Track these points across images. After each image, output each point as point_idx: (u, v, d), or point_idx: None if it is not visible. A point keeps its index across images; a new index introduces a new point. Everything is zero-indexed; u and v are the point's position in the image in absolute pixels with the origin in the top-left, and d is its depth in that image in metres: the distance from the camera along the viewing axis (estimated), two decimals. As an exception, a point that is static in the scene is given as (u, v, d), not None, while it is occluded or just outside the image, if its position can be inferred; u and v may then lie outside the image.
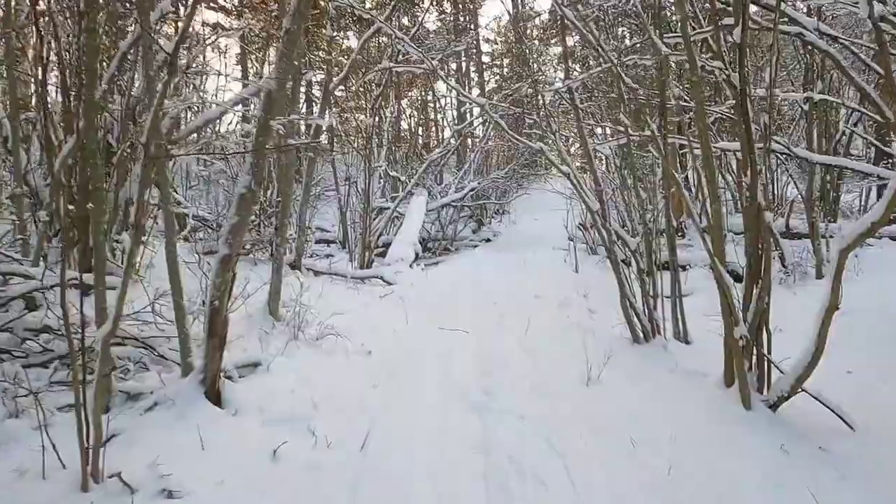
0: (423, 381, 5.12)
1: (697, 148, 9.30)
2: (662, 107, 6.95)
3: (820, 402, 4.73)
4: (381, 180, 13.19)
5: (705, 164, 5.15)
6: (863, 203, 12.81)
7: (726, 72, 5.22)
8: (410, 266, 11.45)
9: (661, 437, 4.32)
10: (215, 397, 4.27)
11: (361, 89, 12.02)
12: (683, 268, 10.31)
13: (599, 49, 6.16)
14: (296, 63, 7.05)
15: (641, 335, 6.89)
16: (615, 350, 6.43)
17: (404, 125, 20.49)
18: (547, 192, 17.14)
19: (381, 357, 5.77)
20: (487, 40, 27.47)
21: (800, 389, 4.86)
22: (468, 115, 18.42)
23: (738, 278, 10.81)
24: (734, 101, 5.30)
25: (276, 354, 5.32)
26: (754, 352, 5.16)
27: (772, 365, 5.21)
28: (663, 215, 7.75)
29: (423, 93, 21.93)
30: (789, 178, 13.20)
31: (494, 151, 17.49)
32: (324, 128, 10.03)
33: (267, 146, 4.26)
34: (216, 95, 13.33)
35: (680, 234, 11.86)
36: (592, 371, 5.27)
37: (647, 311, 6.98)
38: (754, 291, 5.27)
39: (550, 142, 7.09)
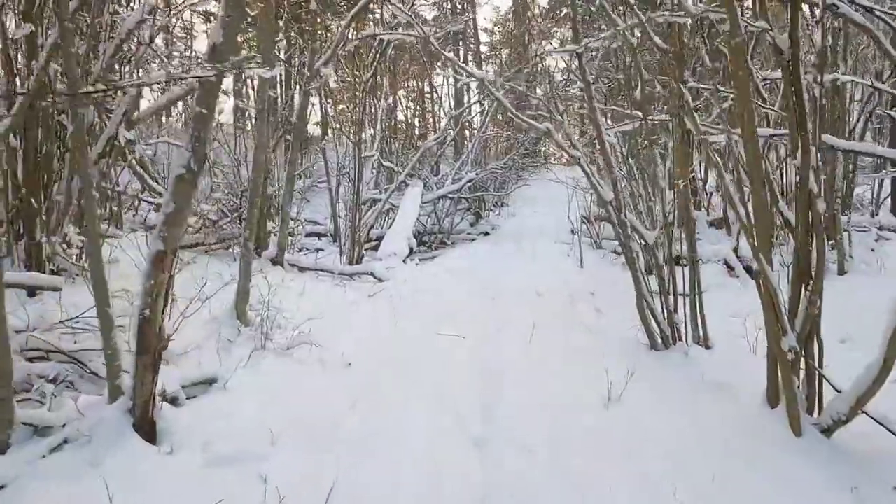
0: (411, 402, 4.19)
1: (715, 133, 8.37)
2: (680, 84, 6.02)
3: (887, 429, 3.84)
4: (374, 171, 12.24)
5: (748, 141, 4.21)
6: (875, 196, 11.91)
7: (772, 33, 4.29)
8: (404, 261, 10.52)
9: (700, 474, 3.42)
10: (147, 429, 3.34)
11: (352, 70, 11.04)
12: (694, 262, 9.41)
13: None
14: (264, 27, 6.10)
15: (660, 340, 5.98)
16: (632, 359, 5.52)
17: (401, 116, 19.56)
18: (547, 184, 16.21)
19: (362, 369, 4.83)
20: (486, 30, 26.49)
21: (860, 412, 3.98)
22: (466, 103, 17.49)
23: (752, 273, 9.82)
24: (781, 70, 4.36)
25: (238, 367, 4.40)
26: (802, 365, 4.26)
27: (823, 381, 4.31)
28: (673, 207, 6.87)
29: (419, 83, 20.93)
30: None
31: (493, 141, 16.53)
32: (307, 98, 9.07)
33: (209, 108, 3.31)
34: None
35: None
36: (612, 389, 4.34)
37: (666, 313, 6.06)
38: (803, 294, 4.33)
39: (558, 123, 6.15)
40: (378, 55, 9.68)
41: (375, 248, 11.47)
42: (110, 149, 6.45)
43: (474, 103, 12.82)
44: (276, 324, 5.36)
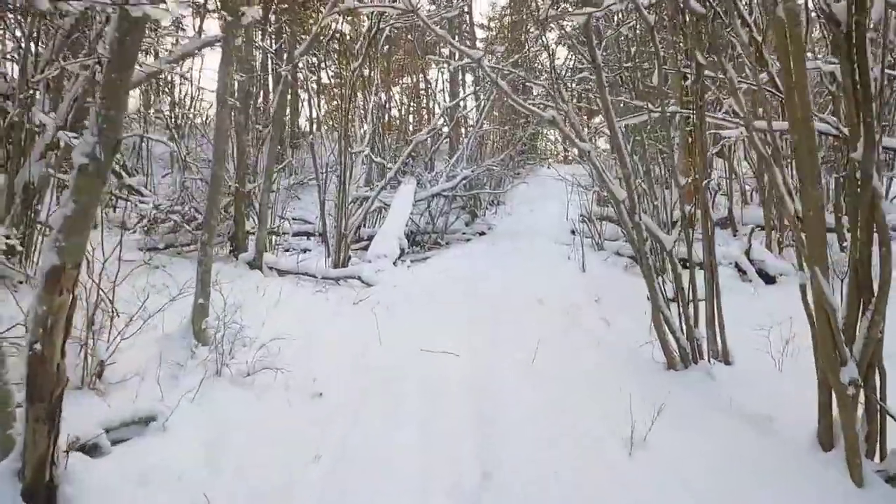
0: (392, 446, 3.37)
1: (733, 124, 7.60)
2: (699, 70, 5.22)
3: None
4: (365, 167, 11.40)
5: (801, 131, 3.41)
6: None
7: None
8: (394, 263, 9.69)
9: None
10: (43, 497, 2.53)
11: (340, 60, 10.20)
12: (700, 266, 8.66)
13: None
14: None
15: (678, 358, 5.18)
16: (651, 382, 4.74)
17: (395, 113, 18.71)
18: (543, 182, 15.41)
19: (336, 400, 4.01)
20: (482, 26, 25.62)
21: (937, 458, 3.21)
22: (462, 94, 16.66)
23: (767, 279, 9.03)
24: (836, 43, 3.56)
25: (183, 401, 3.58)
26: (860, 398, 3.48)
27: (887, 419, 3.52)
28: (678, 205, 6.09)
29: (414, 78, 20.07)
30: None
31: (489, 138, 15.70)
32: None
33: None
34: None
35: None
36: (635, 428, 3.53)
37: (685, 327, 5.27)
38: (862, 314, 3.53)
39: (564, 112, 5.33)
40: (368, 43, 8.84)
41: (367, 248, 10.66)
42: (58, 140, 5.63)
43: (469, 95, 11.99)
44: (239, 342, 4.54)
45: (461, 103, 16.17)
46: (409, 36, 16.99)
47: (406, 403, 4.01)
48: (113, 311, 4.08)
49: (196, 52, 5.79)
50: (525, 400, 4.06)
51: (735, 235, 11.61)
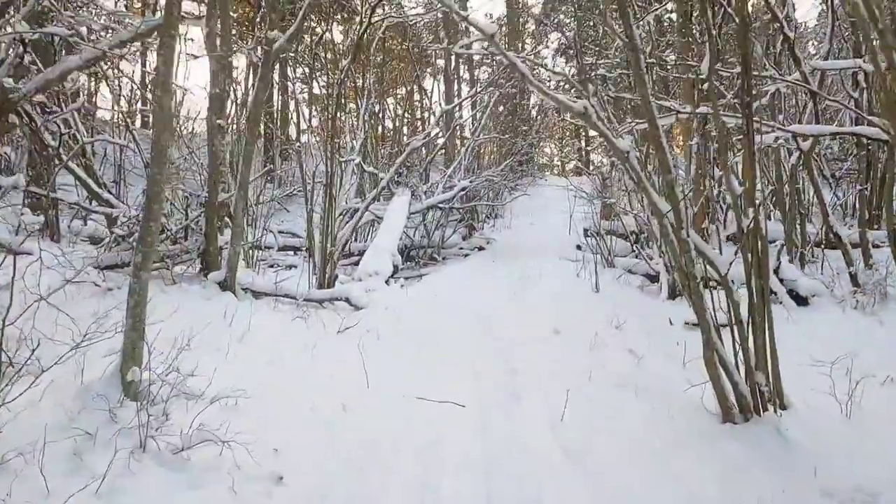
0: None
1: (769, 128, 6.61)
2: (746, 66, 4.14)
3: None
4: (356, 177, 10.28)
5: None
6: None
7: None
8: (387, 282, 8.55)
9: None
10: None
11: (326, 57, 9.12)
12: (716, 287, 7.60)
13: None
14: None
15: (737, 409, 4.05)
16: (710, 445, 3.61)
17: (389, 124, 17.64)
18: (541, 193, 14.35)
19: (301, 490, 2.84)
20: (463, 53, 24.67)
21: None
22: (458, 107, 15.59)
23: (799, 300, 7.91)
24: None
25: (84, 494, 2.42)
26: None
27: None
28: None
29: (408, 87, 19.03)
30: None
31: (487, 147, 14.63)
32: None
33: None
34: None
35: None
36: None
37: (744, 369, 4.15)
38: None
39: (595, 104, 4.23)
40: (358, 39, 7.75)
41: (357, 263, 9.54)
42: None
43: (468, 98, 10.86)
44: (180, 397, 3.38)
45: (458, 113, 15.13)
46: (404, 44, 15.99)
47: (394, 492, 2.85)
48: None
49: (139, 38, 4.66)
50: (562, 483, 2.90)
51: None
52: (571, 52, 21.31)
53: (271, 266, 11.36)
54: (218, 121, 6.78)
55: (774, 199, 11.60)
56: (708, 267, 4.36)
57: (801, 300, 7.75)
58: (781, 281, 8.04)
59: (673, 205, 4.13)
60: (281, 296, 6.86)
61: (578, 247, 11.01)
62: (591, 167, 25.47)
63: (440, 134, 14.29)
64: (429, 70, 21.71)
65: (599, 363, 5.06)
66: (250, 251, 10.68)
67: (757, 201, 4.14)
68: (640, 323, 6.63)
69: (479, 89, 9.35)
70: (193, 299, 6.14)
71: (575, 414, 3.68)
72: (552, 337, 5.77)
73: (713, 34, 4.18)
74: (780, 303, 7.74)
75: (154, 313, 5.39)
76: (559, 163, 24.92)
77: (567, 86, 19.40)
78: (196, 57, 8.51)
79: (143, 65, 19.87)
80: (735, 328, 4.26)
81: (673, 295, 8.18)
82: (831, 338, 6.09)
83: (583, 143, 23.29)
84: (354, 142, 10.69)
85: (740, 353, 4.11)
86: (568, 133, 23.97)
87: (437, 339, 5.75)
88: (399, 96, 19.93)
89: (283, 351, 4.88)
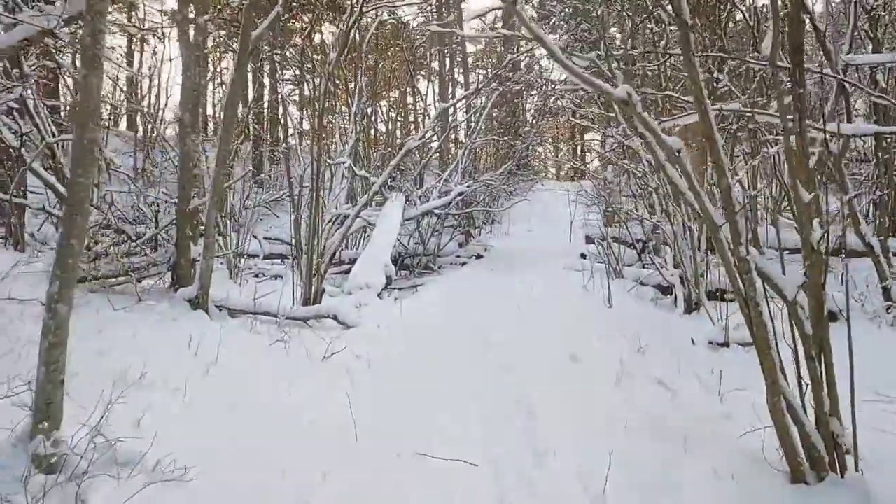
0: None
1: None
2: (797, 50, 3.33)
3: None
4: (347, 180, 9.42)
5: None
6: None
7: None
8: (379, 295, 7.70)
9: None
10: None
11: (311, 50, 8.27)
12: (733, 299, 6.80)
13: None
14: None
15: (807, 465, 3.23)
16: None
17: (382, 128, 16.78)
18: (539, 198, 13.54)
19: None
20: (471, 39, 23.83)
21: None
22: (452, 111, 14.71)
23: (830, 318, 7.12)
24: None
25: None
26: None
27: None
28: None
29: (402, 91, 18.19)
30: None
31: (484, 150, 13.80)
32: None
33: None
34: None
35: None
36: None
37: (817, 417, 3.32)
38: None
39: (636, 94, 3.40)
40: (347, 30, 6.90)
41: (348, 272, 8.69)
42: None
43: (472, 93, 10.03)
44: (112, 464, 2.52)
45: (452, 116, 14.29)
46: (397, 42, 15.15)
47: None
48: None
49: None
50: None
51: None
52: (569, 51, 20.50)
53: (256, 276, 10.49)
54: (187, 115, 5.91)
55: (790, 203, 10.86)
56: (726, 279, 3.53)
57: (830, 316, 6.97)
58: (809, 295, 7.21)
59: (728, 217, 3.31)
60: (260, 314, 5.99)
61: (583, 255, 10.21)
62: (588, 171, 24.73)
63: (435, 137, 13.46)
64: (422, 73, 20.95)
65: (630, 401, 4.23)
66: (233, 260, 9.83)
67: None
68: (661, 344, 5.83)
69: (480, 85, 8.55)
70: (158, 320, 5.27)
71: (619, 481, 2.84)
72: (570, 365, 4.93)
73: (777, 13, 3.36)
74: (808, 318, 6.94)
75: (107, 338, 4.54)
76: (554, 168, 24.16)
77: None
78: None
79: (130, 64, 19.00)
80: (804, 364, 3.43)
81: (689, 309, 7.39)
82: (874, 360, 5.31)
83: (578, 149, 22.56)
84: (345, 144, 9.86)
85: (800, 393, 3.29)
86: (563, 137, 23.23)
87: (435, 367, 4.90)
88: (392, 99, 19.10)
89: (256, 388, 4.01)
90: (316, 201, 6.41)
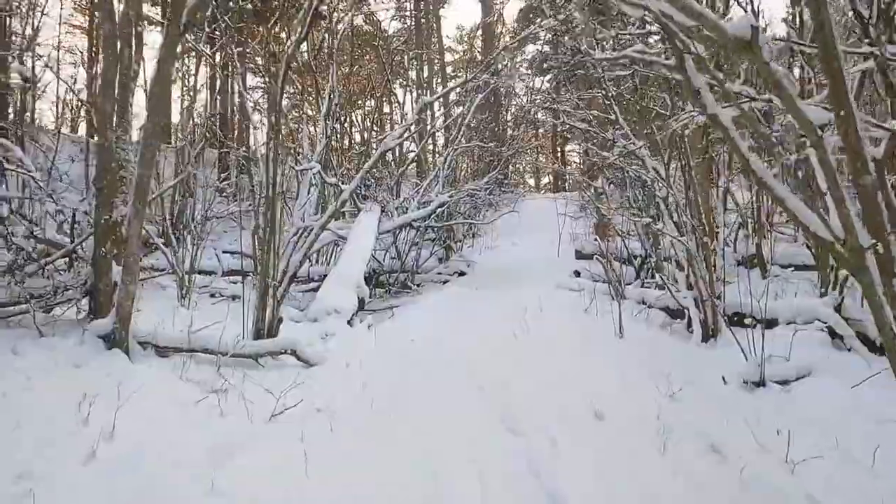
0: None
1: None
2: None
3: None
4: (315, 188, 8.11)
5: None
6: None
7: None
8: (350, 321, 6.40)
9: None
10: None
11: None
12: (769, 323, 5.73)
13: None
14: None
15: None
16: None
17: (357, 137, 15.49)
18: (524, 208, 12.37)
19: None
20: (449, 49, 22.78)
21: None
22: (430, 118, 13.49)
23: (870, 345, 6.07)
24: None
25: None
26: None
27: None
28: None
29: (378, 99, 16.93)
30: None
31: (464, 162, 12.59)
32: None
33: None
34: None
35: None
36: None
37: None
38: None
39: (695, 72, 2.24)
40: (310, 14, 5.62)
41: (317, 290, 7.39)
42: None
43: (458, 85, 8.75)
44: None
45: (432, 121, 13.11)
46: (374, 42, 13.93)
47: None
48: None
49: None
50: None
51: (765, 277, 8.72)
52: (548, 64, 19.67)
53: (212, 295, 9.11)
54: (107, 104, 4.57)
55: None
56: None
57: (873, 346, 5.85)
58: (847, 321, 6.09)
59: (878, 234, 2.11)
60: (198, 351, 4.64)
61: (577, 273, 9.05)
62: (578, 179, 23.70)
63: (414, 142, 12.24)
64: (399, 80, 19.73)
65: (682, 475, 3.02)
66: (185, 279, 8.45)
67: None
68: (690, 384, 4.67)
69: (470, 76, 7.38)
70: (55, 365, 3.90)
71: None
72: (594, 424, 3.69)
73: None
74: (850, 349, 5.80)
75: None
76: (533, 180, 23.17)
77: (539, 98, 17.63)
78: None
79: (91, 68, 17.34)
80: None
81: (706, 336, 6.25)
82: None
83: (559, 160, 21.59)
84: (314, 148, 8.58)
85: None
86: (543, 148, 22.23)
87: (420, 424, 3.62)
88: (368, 108, 17.85)
89: (163, 479, 2.68)
90: (271, 212, 5.11)
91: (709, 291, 6.32)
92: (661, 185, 7.20)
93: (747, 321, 6.32)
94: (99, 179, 4.85)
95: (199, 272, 9.51)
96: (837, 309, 6.12)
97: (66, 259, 5.12)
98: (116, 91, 4.90)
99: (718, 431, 3.71)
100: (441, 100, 17.96)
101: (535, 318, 6.53)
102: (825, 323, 5.86)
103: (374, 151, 13.01)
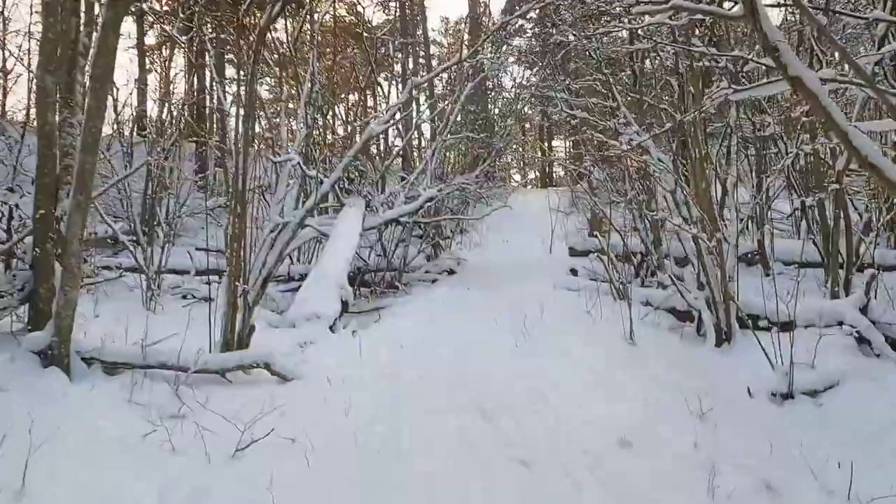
0: None
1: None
2: None
3: None
4: (294, 180, 7.37)
5: None
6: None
7: None
8: (332, 327, 5.72)
9: None
10: None
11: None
12: (784, 326, 5.20)
13: None
14: None
15: None
16: None
17: (341, 131, 14.73)
18: (513, 203, 11.71)
19: None
20: (435, 42, 22.06)
21: None
22: (415, 116, 12.76)
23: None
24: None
25: None
26: None
27: None
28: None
29: (362, 93, 16.15)
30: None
31: (451, 155, 11.90)
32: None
33: None
34: None
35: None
36: None
37: None
38: None
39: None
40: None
41: (297, 290, 6.69)
42: None
43: (450, 65, 8.02)
44: None
45: (419, 117, 12.40)
46: (357, 38, 13.17)
47: None
48: None
49: None
50: None
51: (768, 275, 8.18)
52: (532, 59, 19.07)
53: (185, 296, 8.35)
54: (49, 79, 3.84)
55: (804, 213, 9.36)
56: None
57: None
58: (874, 324, 5.53)
59: None
60: (154, 367, 3.94)
61: (574, 271, 8.44)
62: (558, 177, 23.14)
63: (399, 134, 11.54)
64: (385, 74, 19.01)
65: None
66: (151, 280, 7.70)
67: None
68: (718, 398, 4.09)
69: (464, 56, 6.70)
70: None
71: None
72: (622, 455, 3.06)
73: None
74: (878, 355, 5.24)
75: None
76: (519, 175, 22.60)
77: (529, 95, 17.01)
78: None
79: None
80: None
81: (720, 340, 5.67)
82: None
83: (547, 154, 21.02)
84: (293, 139, 7.85)
85: None
86: (529, 142, 21.64)
87: (416, 461, 2.97)
88: (352, 102, 17.06)
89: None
90: (241, 206, 4.40)
91: (722, 291, 5.75)
92: (668, 177, 6.62)
93: (762, 324, 5.77)
94: (39, 170, 4.11)
95: (171, 271, 8.75)
96: (863, 310, 5.57)
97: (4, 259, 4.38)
98: (64, 68, 4.17)
99: (766, 463, 3.13)
100: (427, 91, 17.26)
101: (534, 322, 5.89)
102: (854, 327, 5.29)
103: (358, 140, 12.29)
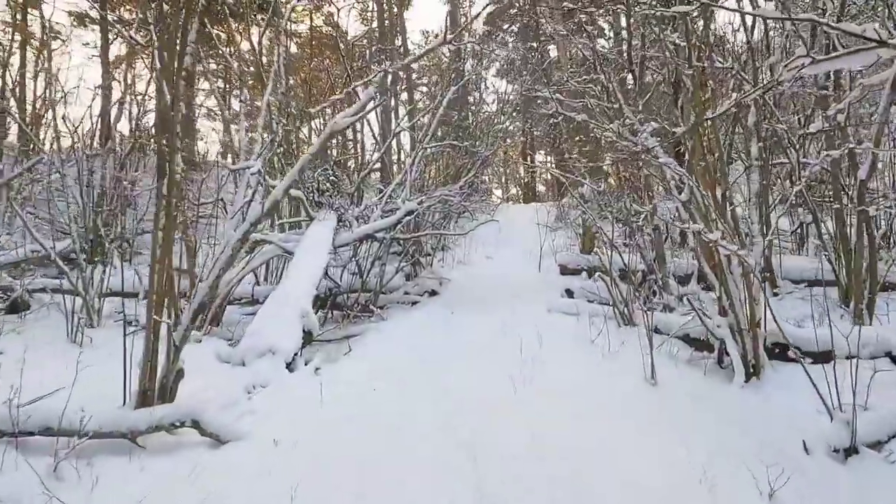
0: None
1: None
2: None
3: None
4: (253, 192, 6.28)
5: None
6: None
7: None
8: (290, 365, 4.63)
9: None
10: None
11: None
12: (819, 357, 4.33)
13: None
14: None
15: None
16: None
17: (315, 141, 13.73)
18: (496, 221, 10.72)
19: None
20: (414, 54, 21.17)
21: None
22: (393, 128, 11.78)
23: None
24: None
25: None
26: None
27: None
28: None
29: (339, 94, 15.20)
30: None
31: (431, 167, 10.91)
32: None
33: None
34: None
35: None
36: None
37: None
38: None
39: None
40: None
41: (256, 312, 5.58)
42: None
43: (437, 45, 7.06)
44: None
45: (398, 124, 11.43)
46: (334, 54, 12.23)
47: None
48: None
49: None
50: None
51: (776, 295, 7.31)
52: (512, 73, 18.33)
53: (130, 323, 7.16)
54: None
55: (810, 227, 8.55)
56: None
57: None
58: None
59: None
60: (33, 434, 2.83)
61: (569, 292, 7.47)
62: (537, 193, 22.30)
63: (376, 148, 10.56)
64: (362, 85, 18.02)
65: None
66: (96, 300, 6.60)
67: None
68: (777, 462, 3.12)
69: (450, 35, 5.75)
70: None
71: None
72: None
73: None
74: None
75: None
76: (499, 189, 21.77)
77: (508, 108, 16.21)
78: None
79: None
80: None
81: (748, 375, 4.72)
82: None
83: (525, 169, 20.23)
84: (255, 142, 6.81)
85: None
86: (512, 157, 20.82)
87: None
88: (328, 115, 16.08)
89: None
90: (166, 218, 3.33)
91: (748, 317, 4.82)
92: (681, 187, 5.71)
93: (791, 353, 4.86)
94: None
95: (116, 294, 7.59)
96: (914, 339, 4.66)
97: None
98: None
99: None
100: (405, 109, 16.34)
101: (532, 354, 4.87)
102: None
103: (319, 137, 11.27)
